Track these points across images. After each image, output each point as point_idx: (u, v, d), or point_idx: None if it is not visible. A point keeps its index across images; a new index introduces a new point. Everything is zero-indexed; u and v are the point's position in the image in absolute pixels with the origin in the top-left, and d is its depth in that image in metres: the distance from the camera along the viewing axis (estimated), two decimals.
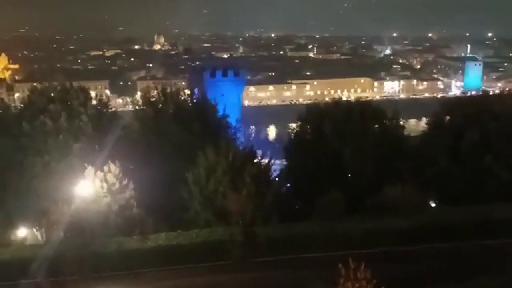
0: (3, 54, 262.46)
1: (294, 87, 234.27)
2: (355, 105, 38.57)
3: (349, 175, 33.65)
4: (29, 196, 29.86)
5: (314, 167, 33.25)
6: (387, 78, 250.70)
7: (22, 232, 29.85)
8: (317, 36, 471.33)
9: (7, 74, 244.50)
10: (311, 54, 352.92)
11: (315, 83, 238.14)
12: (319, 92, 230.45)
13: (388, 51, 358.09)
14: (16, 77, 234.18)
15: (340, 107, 37.73)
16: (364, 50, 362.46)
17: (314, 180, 32.43)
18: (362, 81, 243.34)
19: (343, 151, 32.89)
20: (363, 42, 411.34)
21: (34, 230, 30.97)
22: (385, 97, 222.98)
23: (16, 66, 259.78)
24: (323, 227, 25.23)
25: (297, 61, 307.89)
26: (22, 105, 36.98)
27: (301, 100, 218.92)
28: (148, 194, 28.64)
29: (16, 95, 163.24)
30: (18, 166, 31.37)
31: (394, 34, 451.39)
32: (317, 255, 23.82)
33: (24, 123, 32.27)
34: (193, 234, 25.25)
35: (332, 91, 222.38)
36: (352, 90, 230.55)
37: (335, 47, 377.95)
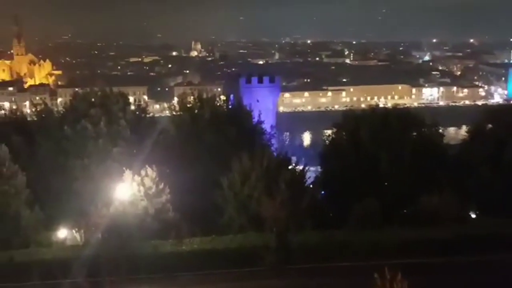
0: (47, 60, 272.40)
1: (329, 93, 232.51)
2: (392, 112, 37.92)
3: (386, 183, 33.04)
4: (69, 198, 30.69)
5: (350, 174, 32.84)
6: (426, 85, 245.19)
7: (62, 233, 30.68)
8: (354, 42, 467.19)
9: (50, 80, 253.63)
10: (347, 61, 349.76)
11: (351, 89, 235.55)
12: (355, 98, 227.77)
13: (427, 57, 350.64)
14: (59, 83, 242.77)
15: (377, 114, 37.18)
16: (402, 56, 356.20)
17: (349, 187, 32.01)
18: (399, 87, 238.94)
19: (380, 158, 32.36)
20: (401, 48, 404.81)
21: (74, 231, 31.81)
22: (423, 104, 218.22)
23: (59, 72, 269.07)
24: (358, 235, 24.86)
25: (333, 67, 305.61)
26: (64, 110, 38.11)
27: (336, 106, 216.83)
28: (184, 198, 28.97)
29: (59, 100, 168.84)
30: (59, 169, 32.33)
31: (434, 40, 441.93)
32: (351, 264, 23.46)
33: (66, 127, 33.26)
34: (227, 239, 25.36)
35: (368, 98, 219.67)
36: (389, 97, 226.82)
37: (372, 53, 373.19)
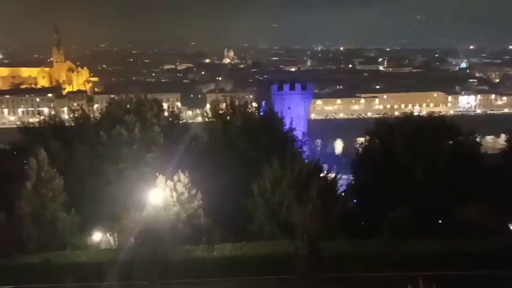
0: (85, 68, 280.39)
1: (362, 100, 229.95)
2: (427, 120, 37.14)
3: (420, 193, 32.30)
4: (104, 202, 31.31)
5: (383, 183, 32.27)
6: (463, 92, 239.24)
7: (97, 236, 31.35)
8: (388, 49, 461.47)
9: (88, 86, 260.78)
10: (381, 68, 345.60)
11: (385, 96, 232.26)
12: (388, 106, 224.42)
13: (464, 65, 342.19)
14: (96, 89, 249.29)
15: (411, 122, 36.49)
16: (437, 63, 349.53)
17: (382, 196, 31.44)
18: (435, 95, 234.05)
19: (414, 167, 31.69)
20: (436, 55, 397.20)
21: (108, 235, 32.44)
22: (460, 112, 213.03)
23: (96, 79, 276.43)
24: (391, 245, 24.37)
25: (366, 74, 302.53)
26: (100, 116, 39.06)
27: (369, 114, 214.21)
28: (215, 204, 29.12)
29: (95, 106, 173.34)
30: (94, 173, 33.09)
31: (471, 47, 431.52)
32: (384, 274, 23.01)
33: (102, 132, 34.04)
34: (258, 246, 25.32)
35: (402, 105, 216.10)
36: (424, 105, 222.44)
37: (406, 60, 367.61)
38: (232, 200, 29.93)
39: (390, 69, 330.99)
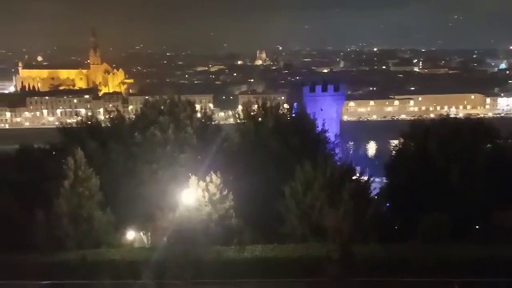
0: (120, 70, 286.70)
1: (396, 102, 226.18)
2: (464, 122, 36.18)
3: (456, 197, 31.47)
4: (138, 201, 31.88)
5: (417, 186, 31.58)
6: (502, 94, 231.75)
7: (130, 235, 31.97)
8: (423, 50, 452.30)
9: (123, 88, 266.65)
10: (416, 69, 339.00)
11: (420, 98, 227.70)
12: (423, 108, 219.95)
13: (503, 65, 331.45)
14: (131, 91, 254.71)
15: (448, 124, 35.61)
16: (475, 65, 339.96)
17: (417, 200, 30.79)
18: (472, 97, 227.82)
19: (450, 170, 30.89)
20: (474, 56, 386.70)
21: (141, 233, 33.04)
22: (499, 115, 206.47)
23: (131, 81, 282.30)
24: (426, 250, 23.86)
25: (401, 75, 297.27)
26: (135, 117, 39.78)
27: (404, 116, 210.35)
28: (246, 205, 29.22)
29: (130, 107, 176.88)
30: (129, 173, 33.73)
31: (511, 47, 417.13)
32: (418, 280, 22.56)
33: (137, 133, 34.68)
34: (289, 248, 25.27)
35: (438, 107, 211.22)
36: (461, 107, 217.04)
37: (442, 61, 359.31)
38: (263, 202, 29.97)
39: (426, 70, 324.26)
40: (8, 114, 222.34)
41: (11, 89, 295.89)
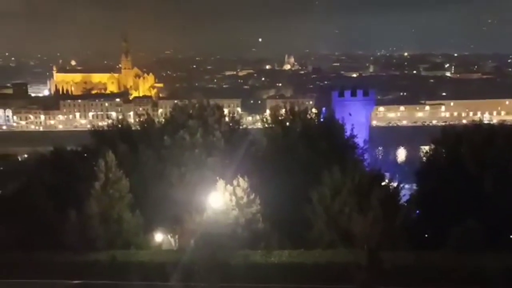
0: (150, 74, 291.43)
1: (427, 107, 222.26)
2: (498, 128, 35.24)
3: (489, 205, 30.63)
4: (166, 204, 32.26)
5: (448, 193, 30.90)
6: None
7: (159, 237, 32.35)
8: (455, 54, 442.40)
9: (153, 92, 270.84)
10: (447, 74, 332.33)
11: (452, 104, 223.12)
12: (455, 113, 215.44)
13: None
14: (160, 95, 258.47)
15: (481, 130, 34.75)
16: (510, 69, 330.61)
17: (448, 207, 30.14)
18: (507, 103, 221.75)
19: (483, 178, 30.12)
20: (509, 61, 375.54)
21: (169, 236, 33.39)
22: None
23: (161, 85, 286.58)
24: (457, 259, 23.27)
25: (432, 80, 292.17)
26: (164, 120, 40.33)
27: (435, 121, 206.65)
28: (273, 209, 29.18)
29: (160, 111, 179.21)
30: (158, 176, 34.18)
31: None
32: None
33: (166, 136, 35.16)
34: (316, 253, 25.06)
35: (471, 113, 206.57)
36: (494, 113, 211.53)
37: (475, 66, 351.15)
38: (290, 206, 29.87)
39: (458, 75, 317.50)
40: (42, 117, 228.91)
41: (46, 92, 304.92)
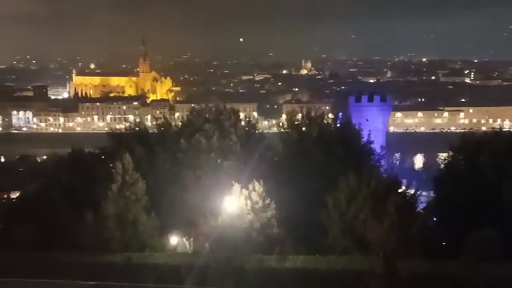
0: (168, 78, 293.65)
1: (446, 114, 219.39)
2: None
3: (509, 213, 30.06)
4: (181, 207, 32.38)
5: (467, 201, 30.43)
6: None
7: (173, 240, 32.48)
8: (475, 60, 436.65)
9: (170, 96, 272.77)
10: (467, 80, 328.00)
11: (471, 110, 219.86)
12: (475, 120, 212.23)
13: None
14: (178, 98, 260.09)
15: (500, 138, 34.20)
16: None
17: (466, 216, 29.66)
18: None
19: (502, 186, 29.59)
20: None
21: (184, 239, 33.50)
22: None
23: (178, 89, 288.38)
24: (475, 268, 22.84)
25: (451, 86, 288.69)
26: (181, 124, 40.56)
27: (453, 128, 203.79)
28: (288, 214, 29.09)
29: (177, 114, 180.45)
30: (174, 179, 34.37)
31: None
32: None
33: (182, 140, 35.35)
34: (331, 259, 24.91)
35: (490, 120, 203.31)
36: None
37: (496, 73, 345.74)
38: (305, 212, 29.74)
39: (478, 82, 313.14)
40: (61, 119, 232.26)
41: (65, 95, 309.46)
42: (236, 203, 27.63)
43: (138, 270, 25.51)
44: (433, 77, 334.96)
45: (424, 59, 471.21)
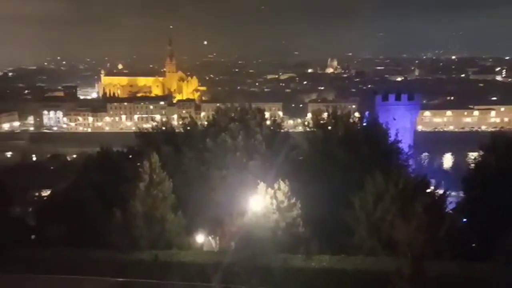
0: (194, 77, 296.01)
1: (476, 112, 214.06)
2: None
3: None
4: (207, 206, 32.62)
5: (497, 202, 29.72)
6: None
7: (200, 238, 32.76)
8: (507, 57, 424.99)
9: (196, 95, 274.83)
10: (498, 78, 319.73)
11: (502, 109, 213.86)
12: (506, 119, 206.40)
13: None
14: (203, 98, 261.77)
15: None
16: None
17: (496, 217, 28.96)
18: None
19: None
20: None
21: (210, 237, 33.77)
22: None
23: (204, 88, 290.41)
24: (504, 272, 22.31)
25: (481, 85, 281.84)
26: (207, 123, 40.86)
27: (484, 127, 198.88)
28: (314, 214, 28.97)
29: (202, 114, 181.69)
30: (200, 178, 34.67)
31: None
32: None
33: (208, 139, 35.60)
34: (357, 260, 24.69)
35: None
36: None
37: None
38: (330, 211, 29.54)
39: (509, 80, 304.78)
40: (90, 119, 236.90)
41: (94, 95, 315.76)
42: (262, 202, 27.67)
43: (165, 268, 25.82)
44: (462, 75, 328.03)
45: (453, 57, 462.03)
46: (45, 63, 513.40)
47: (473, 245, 30.54)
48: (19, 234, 30.92)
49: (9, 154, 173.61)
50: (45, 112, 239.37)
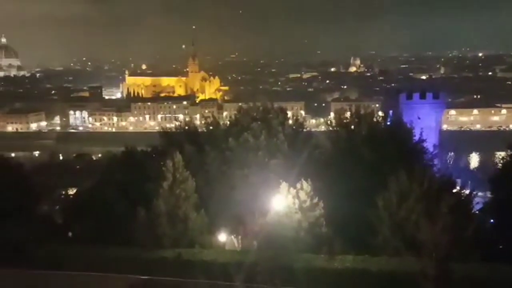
0: (216, 77, 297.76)
1: (504, 111, 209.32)
2: None
3: None
4: (230, 205, 32.70)
5: None
6: None
7: (222, 237, 32.89)
8: None
9: (218, 95, 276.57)
10: None
11: None
12: None
13: None
14: (226, 98, 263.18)
15: None
16: None
17: None
18: None
19: None
20: None
21: (232, 237, 33.87)
22: None
23: (226, 88, 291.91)
24: None
25: (509, 82, 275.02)
26: (229, 123, 40.96)
27: None
28: (337, 214, 28.76)
29: (225, 113, 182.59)
30: (222, 177, 34.77)
31: None
32: None
33: (230, 139, 35.69)
34: (381, 260, 24.40)
35: None
36: None
37: None
38: (354, 211, 29.26)
39: None
40: (115, 119, 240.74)
41: (118, 95, 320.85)
42: (284, 201, 27.60)
43: (187, 266, 26.00)
44: (490, 73, 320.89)
45: (480, 54, 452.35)
46: (71, 64, 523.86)
47: (500, 246, 29.86)
48: (46, 231, 31.61)
49: (37, 153, 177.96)
50: (71, 112, 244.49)
